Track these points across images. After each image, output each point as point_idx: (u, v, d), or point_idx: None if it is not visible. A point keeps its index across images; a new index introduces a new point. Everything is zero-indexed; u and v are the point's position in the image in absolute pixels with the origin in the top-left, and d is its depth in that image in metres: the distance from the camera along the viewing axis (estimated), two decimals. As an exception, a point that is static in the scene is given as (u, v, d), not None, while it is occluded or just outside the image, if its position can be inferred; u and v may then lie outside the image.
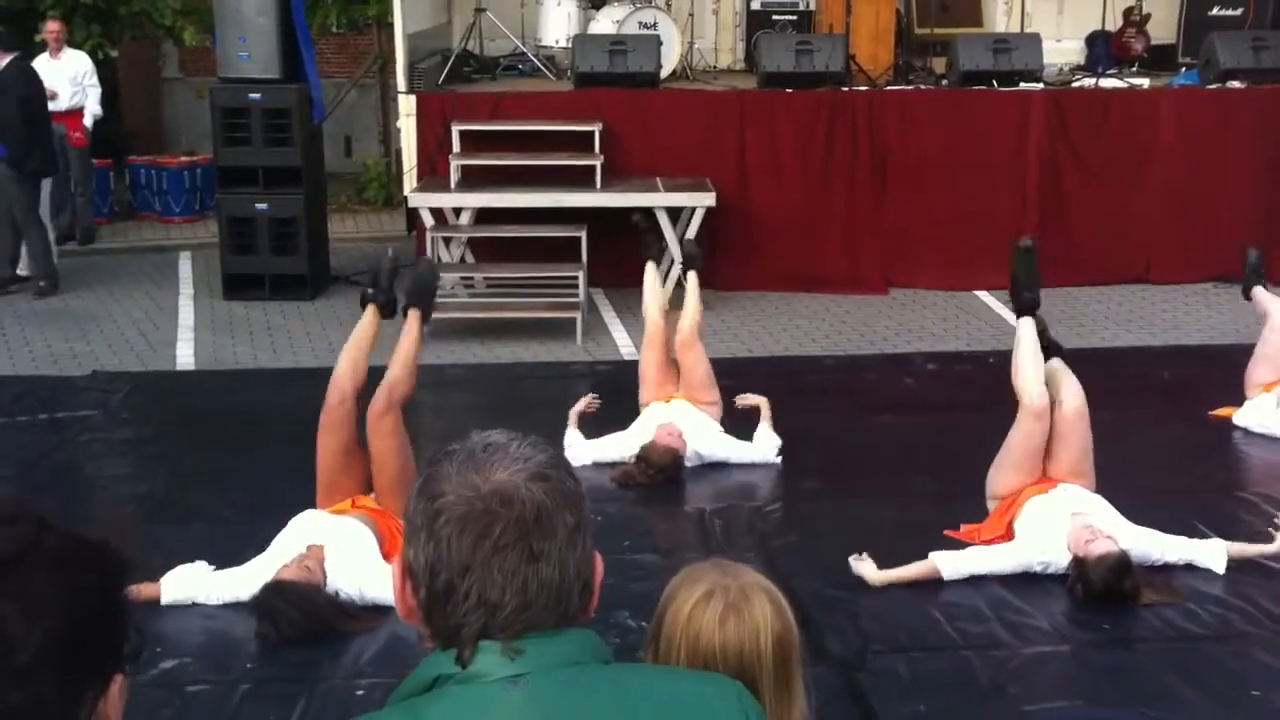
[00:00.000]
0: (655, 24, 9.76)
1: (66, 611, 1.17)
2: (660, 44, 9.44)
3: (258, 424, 6.71)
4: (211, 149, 9.59)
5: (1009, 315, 8.63)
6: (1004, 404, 5.70)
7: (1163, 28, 10.59)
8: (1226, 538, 5.14)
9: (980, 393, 5.78)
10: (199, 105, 12.05)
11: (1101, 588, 4.58)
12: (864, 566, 4.83)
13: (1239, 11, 10.32)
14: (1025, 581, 4.91)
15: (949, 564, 4.82)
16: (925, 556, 4.92)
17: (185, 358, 8.00)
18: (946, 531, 5.18)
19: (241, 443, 6.42)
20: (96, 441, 6.47)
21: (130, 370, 7.67)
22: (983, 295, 9.14)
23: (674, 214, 8.76)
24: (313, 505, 5.11)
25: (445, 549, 1.39)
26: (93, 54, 10.91)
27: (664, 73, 9.55)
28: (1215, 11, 10.33)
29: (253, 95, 8.98)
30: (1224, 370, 6.78)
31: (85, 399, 7.02)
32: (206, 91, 9.66)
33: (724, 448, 6.06)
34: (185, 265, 10.17)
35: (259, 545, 5.20)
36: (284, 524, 4.90)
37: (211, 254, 9.69)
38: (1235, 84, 9.43)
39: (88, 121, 10.48)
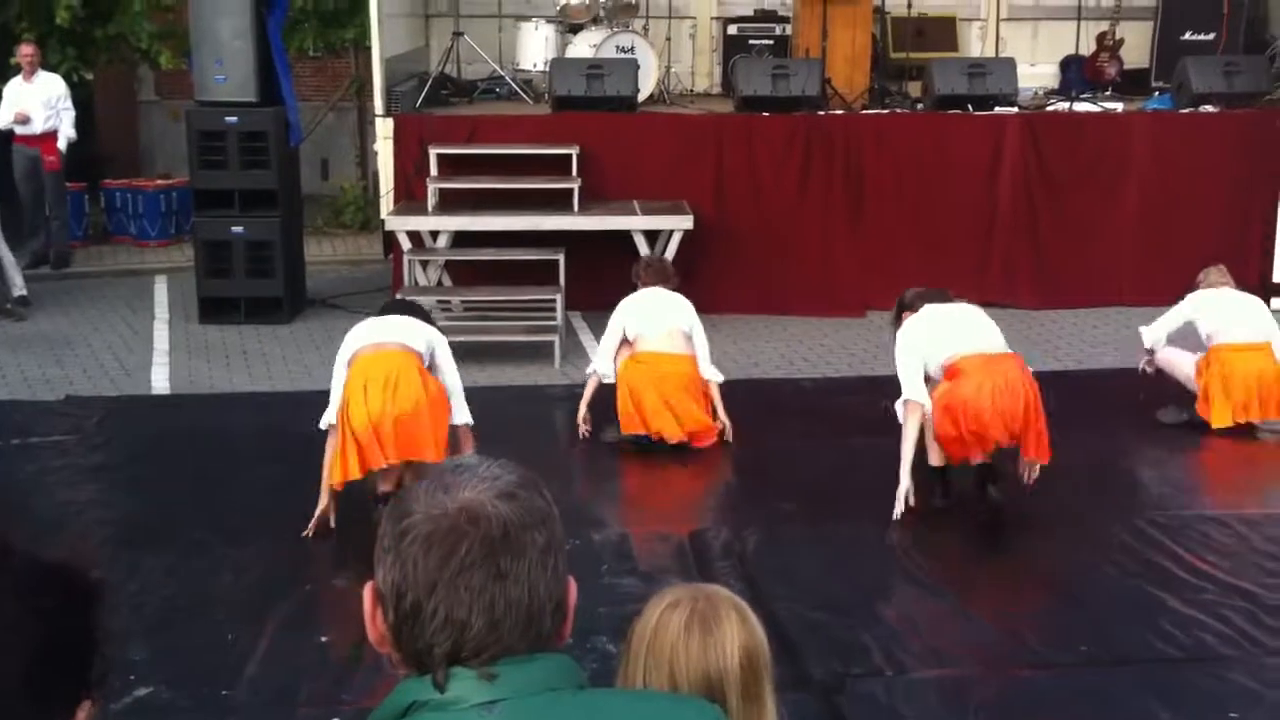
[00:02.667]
0: (632, 48, 9.79)
1: (33, 636, 1.16)
2: (637, 68, 9.47)
3: (233, 448, 6.68)
4: (188, 172, 9.57)
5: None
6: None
7: (1136, 52, 10.69)
8: (1199, 554, 5.18)
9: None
10: (175, 128, 12.03)
11: None
12: None
13: (1211, 36, 10.41)
14: (1002, 605, 4.92)
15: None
16: (909, 579, 4.95)
17: (160, 382, 7.95)
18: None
19: (217, 467, 6.38)
20: (70, 466, 6.42)
21: (104, 395, 7.62)
22: (959, 317, 9.17)
23: (651, 236, 8.78)
24: (288, 533, 5.11)
25: (411, 568, 1.38)
26: (68, 77, 10.87)
27: (641, 96, 9.57)
28: (1188, 36, 10.42)
29: (229, 118, 8.96)
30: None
31: (59, 424, 6.96)
32: (182, 114, 9.64)
33: (699, 327, 6.64)
34: (161, 289, 10.12)
35: (234, 570, 5.18)
36: (263, 550, 4.88)
37: (187, 277, 9.65)
38: (1208, 108, 9.51)
39: (62, 145, 10.44)
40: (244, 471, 6.32)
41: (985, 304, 9.19)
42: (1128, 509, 5.72)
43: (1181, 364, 6.89)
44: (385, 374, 5.39)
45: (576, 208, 8.79)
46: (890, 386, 7.68)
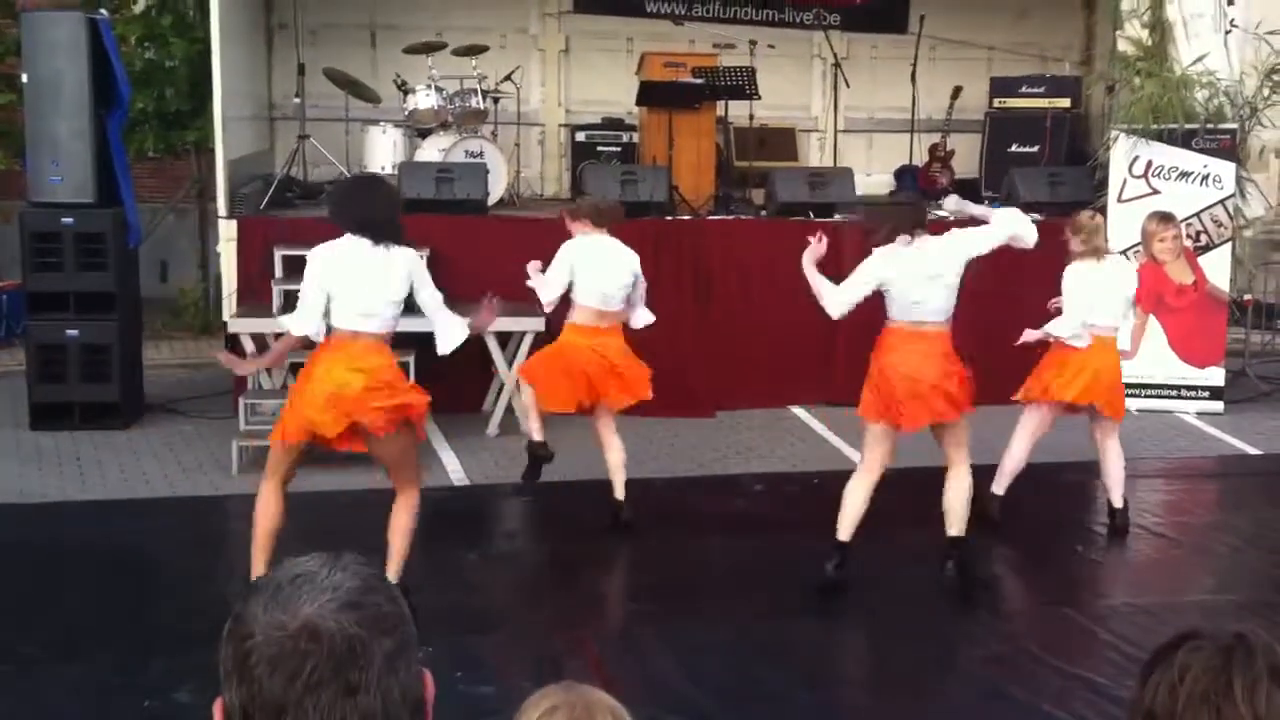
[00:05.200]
0: (481, 153, 9.86)
1: None
2: (487, 172, 9.53)
3: (65, 559, 6.39)
4: (20, 274, 9.26)
5: (824, 431, 8.88)
6: (831, 524, 5.82)
7: (966, 163, 11.16)
8: (1048, 647, 5.31)
9: (808, 512, 5.89)
10: (6, 230, 11.65)
11: None
12: None
13: (1035, 149, 10.94)
14: (861, 704, 4.95)
15: None
16: (766, 680, 4.95)
17: (-13, 491, 7.60)
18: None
19: (48, 580, 6.09)
20: (-113, 582, 6.07)
21: (-74, 505, 7.25)
22: (799, 411, 9.37)
23: (503, 339, 8.77)
24: (124, 648, 4.88)
25: (257, 690, 1.34)
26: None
27: (491, 200, 9.63)
28: (1014, 148, 10.93)
29: (66, 220, 8.72)
30: (1034, 486, 7.04)
31: (-125, 536, 6.59)
32: (14, 215, 9.35)
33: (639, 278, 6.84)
34: (-12, 394, 9.72)
35: (66, 688, 4.94)
36: (98, 666, 4.66)
37: (17, 382, 9.28)
38: (1035, 216, 9.92)
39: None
40: (76, 583, 6.06)
41: (830, 404, 9.51)
42: (979, 607, 5.85)
43: None
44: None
45: (426, 310, 8.74)
46: (741, 485, 7.79)
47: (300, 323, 5.46)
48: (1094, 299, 6.81)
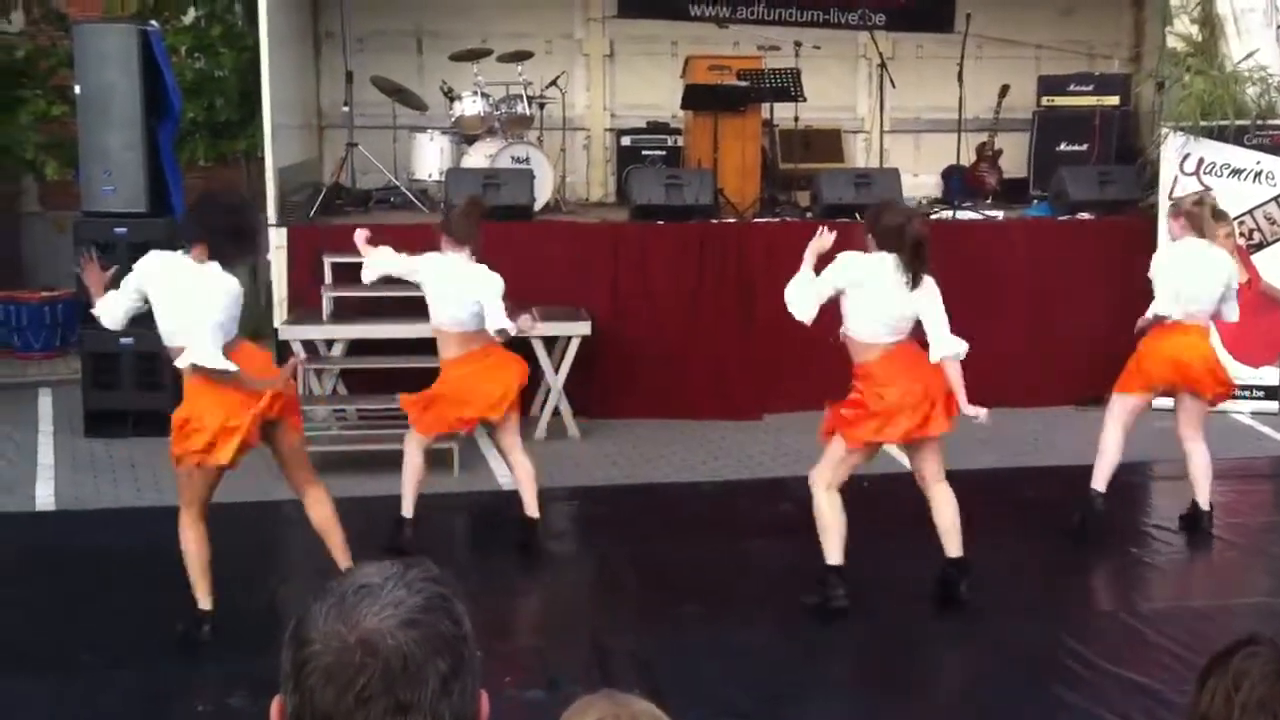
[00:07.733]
0: (528, 158, 9.89)
1: None
2: (533, 178, 9.56)
3: (119, 565, 6.47)
4: (72, 284, 9.39)
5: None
6: (880, 526, 5.80)
7: (1014, 162, 11.07)
8: (1101, 652, 5.25)
9: (856, 516, 5.85)
10: (60, 239, 11.80)
11: None
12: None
13: (1084, 147, 10.84)
14: (906, 706, 4.92)
15: None
16: (814, 683, 4.94)
17: (45, 498, 7.70)
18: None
19: (103, 586, 6.17)
20: (-53, 587, 6.17)
21: (-16, 511, 7.36)
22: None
23: (549, 343, 8.80)
24: (176, 653, 4.93)
25: (309, 698, 1.36)
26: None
27: (537, 205, 9.66)
28: (1063, 147, 10.83)
29: (119, 229, 8.84)
30: (1085, 489, 6.96)
31: (-65, 543, 6.70)
32: (68, 225, 9.48)
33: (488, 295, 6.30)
34: (45, 402, 9.85)
35: (119, 692, 5.00)
36: (150, 670, 4.71)
37: (72, 391, 9.41)
38: (1085, 215, 9.87)
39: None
40: (131, 590, 6.12)
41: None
42: (1029, 610, 5.80)
43: None
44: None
45: (473, 315, 8.77)
46: (788, 489, 7.75)
47: None
48: (1171, 289, 6.68)
